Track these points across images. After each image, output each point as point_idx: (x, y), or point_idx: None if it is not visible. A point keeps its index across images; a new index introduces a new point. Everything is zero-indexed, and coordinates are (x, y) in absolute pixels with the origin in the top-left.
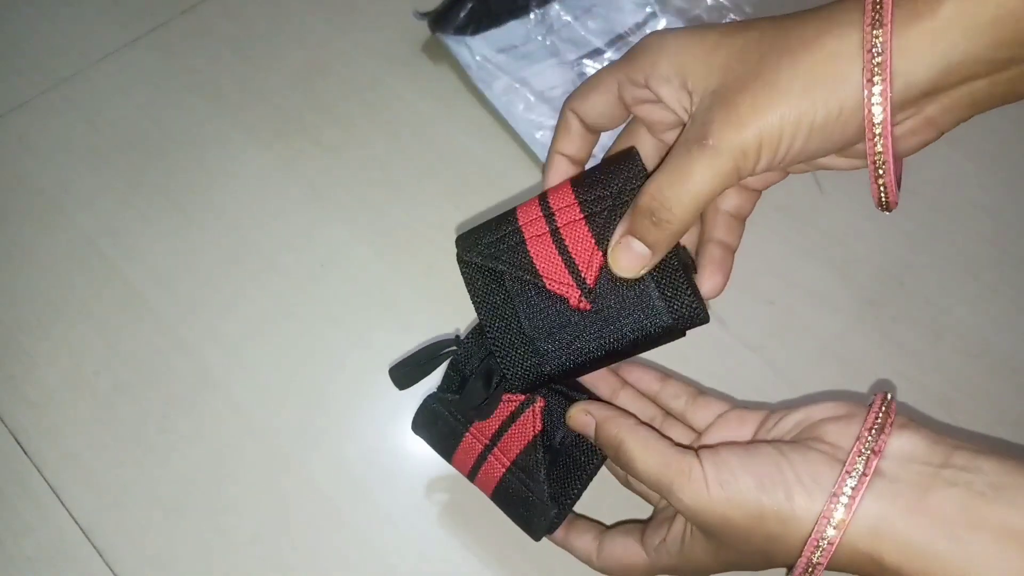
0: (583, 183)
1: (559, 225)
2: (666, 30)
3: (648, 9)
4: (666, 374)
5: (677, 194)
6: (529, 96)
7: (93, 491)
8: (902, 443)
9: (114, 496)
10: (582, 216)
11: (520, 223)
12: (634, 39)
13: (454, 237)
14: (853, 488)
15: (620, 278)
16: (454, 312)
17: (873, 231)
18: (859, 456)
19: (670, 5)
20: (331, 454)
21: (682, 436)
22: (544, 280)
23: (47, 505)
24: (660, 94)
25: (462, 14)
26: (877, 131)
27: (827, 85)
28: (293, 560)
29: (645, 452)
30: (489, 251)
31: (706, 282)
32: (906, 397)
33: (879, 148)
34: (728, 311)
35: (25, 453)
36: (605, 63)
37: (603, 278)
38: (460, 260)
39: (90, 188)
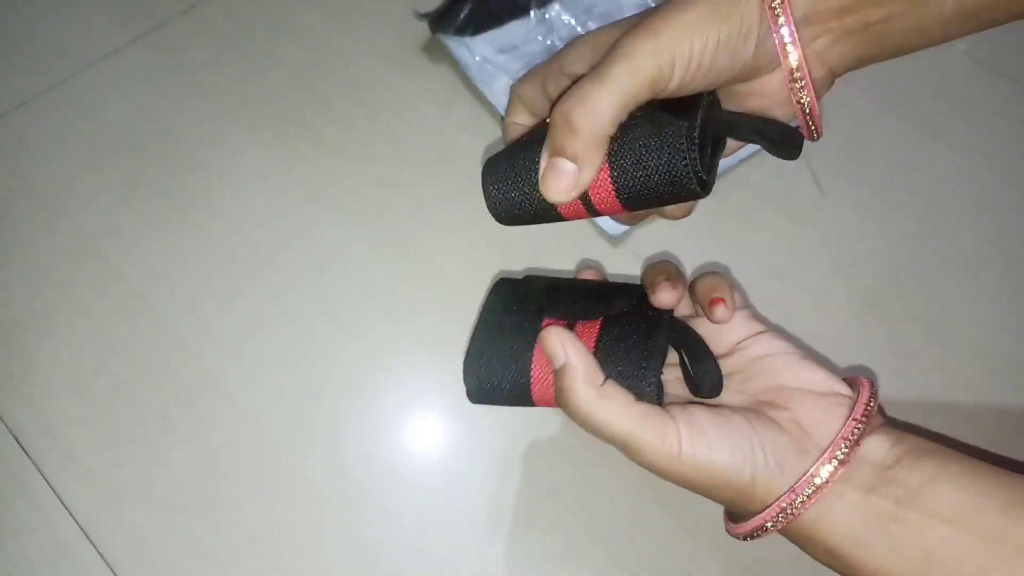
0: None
1: None
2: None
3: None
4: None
5: (592, 94)
6: None
7: (93, 491)
8: (868, 446)
9: (114, 496)
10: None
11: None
12: None
13: (454, 237)
14: (811, 492)
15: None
16: (454, 312)
17: (873, 231)
18: (826, 462)
19: None
20: (330, 454)
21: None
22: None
23: (47, 505)
24: (577, 74)
25: (462, 14)
26: (789, 48)
27: (731, 3)
28: (292, 560)
29: (616, 416)
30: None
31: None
32: (906, 397)
33: (793, 63)
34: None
35: (25, 453)
36: None
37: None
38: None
39: (90, 188)
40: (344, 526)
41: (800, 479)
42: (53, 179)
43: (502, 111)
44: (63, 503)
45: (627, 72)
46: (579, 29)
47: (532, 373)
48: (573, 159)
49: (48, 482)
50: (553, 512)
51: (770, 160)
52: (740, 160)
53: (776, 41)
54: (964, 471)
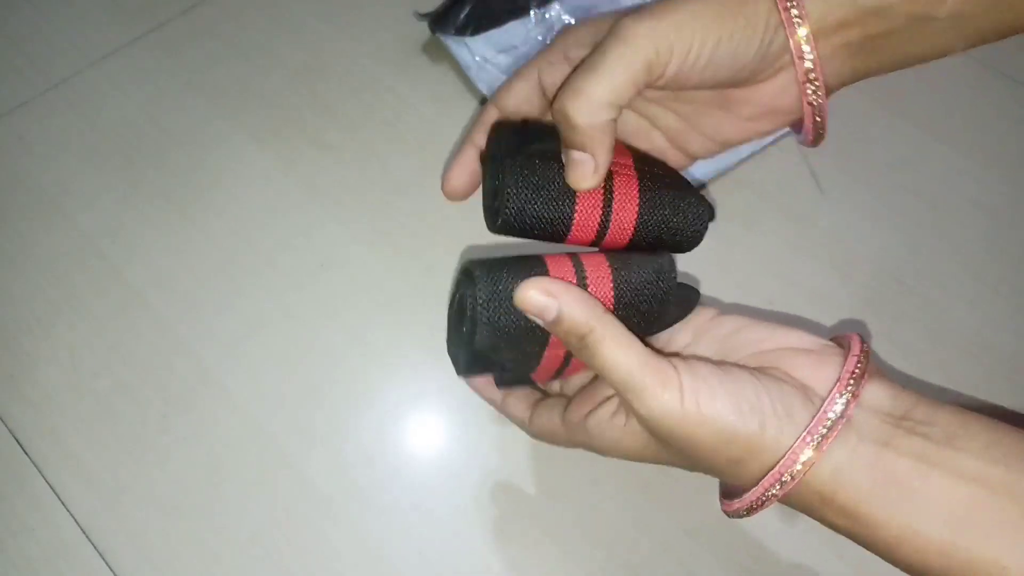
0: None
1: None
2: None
3: None
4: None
5: (586, 85)
6: None
7: (93, 491)
8: (872, 392)
9: (114, 496)
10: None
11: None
12: None
13: (454, 237)
14: (827, 429)
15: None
16: None
17: (873, 231)
18: (838, 398)
19: None
20: (330, 454)
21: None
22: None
23: (47, 505)
24: (578, 59)
25: (462, 14)
26: (806, 50)
27: (739, 2)
28: (292, 560)
29: (618, 348)
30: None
31: None
32: None
33: (808, 64)
34: (728, 311)
35: (25, 453)
36: None
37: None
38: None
39: (90, 188)
40: (344, 526)
41: (814, 419)
42: (53, 179)
43: None
44: (63, 503)
45: (623, 56)
46: None
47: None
48: (583, 148)
49: (48, 482)
50: (553, 512)
51: (771, 160)
52: (740, 160)
53: (792, 42)
54: (987, 428)
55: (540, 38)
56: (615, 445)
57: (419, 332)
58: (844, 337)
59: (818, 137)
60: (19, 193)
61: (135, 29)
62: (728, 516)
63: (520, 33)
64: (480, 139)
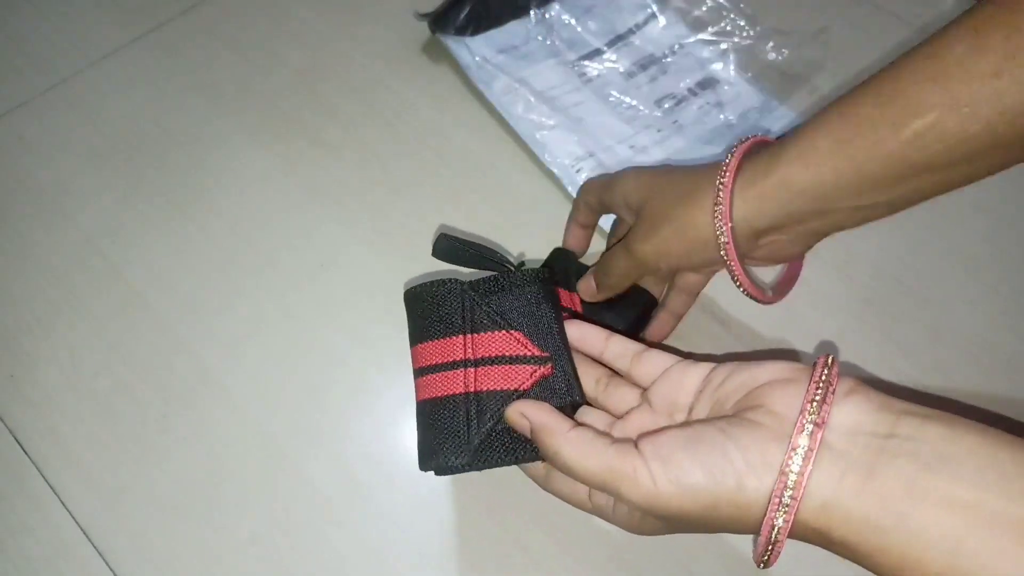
0: (424, 333)
1: (470, 357)
2: (632, 168)
3: (648, 9)
4: (610, 332)
5: (610, 269)
6: (529, 96)
7: (93, 491)
8: (848, 411)
9: (114, 496)
10: (469, 337)
11: (455, 394)
12: (634, 39)
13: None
14: (800, 466)
15: (537, 325)
16: None
17: (873, 231)
18: (801, 431)
19: (670, 5)
20: (330, 454)
21: (628, 395)
22: (521, 390)
23: (47, 505)
24: (619, 214)
25: (462, 15)
26: (723, 254)
27: (690, 225)
28: (292, 560)
29: (584, 459)
30: (473, 437)
31: (653, 333)
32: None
33: (731, 267)
34: (728, 311)
35: (25, 453)
36: (605, 63)
37: (533, 338)
38: (461, 472)
39: (90, 188)
40: (344, 526)
41: (783, 460)
42: (53, 179)
43: (502, 111)
44: (63, 503)
45: (628, 264)
46: (579, 29)
47: None
48: (598, 288)
49: (48, 482)
50: (553, 512)
51: None
52: None
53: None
54: (981, 444)
55: (540, 38)
56: (629, 526)
57: None
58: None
59: (754, 297)
60: (19, 193)
61: (135, 29)
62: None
63: (520, 33)
64: (583, 218)
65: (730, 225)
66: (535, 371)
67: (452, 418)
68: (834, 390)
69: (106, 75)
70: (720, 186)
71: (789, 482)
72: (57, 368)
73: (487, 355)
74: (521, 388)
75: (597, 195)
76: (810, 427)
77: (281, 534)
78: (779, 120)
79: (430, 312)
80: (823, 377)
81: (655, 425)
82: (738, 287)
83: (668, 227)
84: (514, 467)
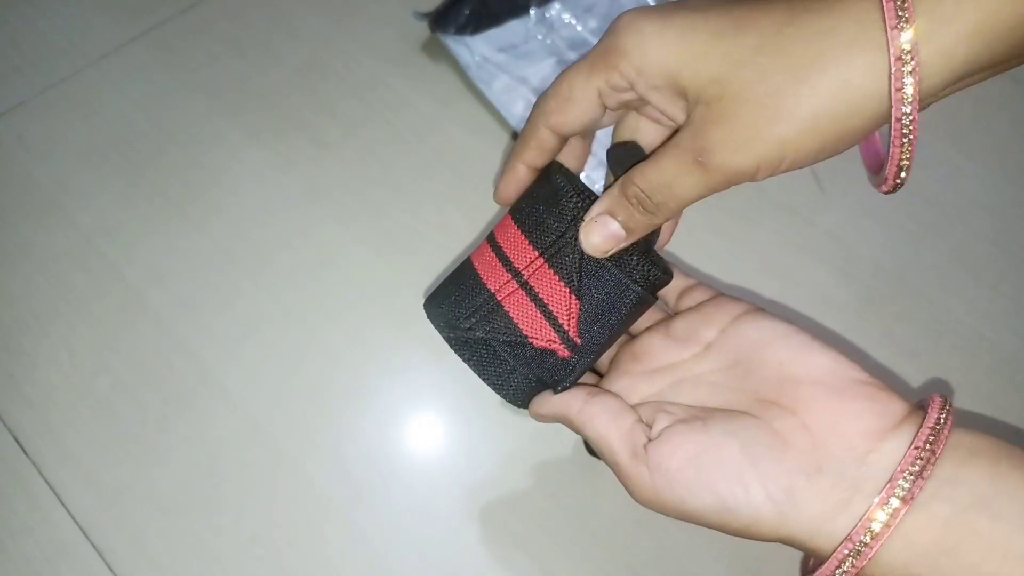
0: (527, 221)
1: (526, 277)
2: (637, 16)
3: None
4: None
5: (665, 198)
6: (529, 95)
7: (93, 491)
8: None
9: (114, 496)
10: (543, 261)
11: (487, 285)
12: None
13: (454, 237)
14: (889, 516)
15: (599, 316)
16: None
17: (874, 230)
18: (902, 479)
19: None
20: (330, 454)
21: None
22: (530, 340)
23: (47, 505)
24: (650, 100)
25: (462, 14)
26: (906, 118)
27: (840, 108)
28: (292, 560)
29: (597, 442)
30: (468, 323)
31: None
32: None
33: (906, 136)
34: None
35: (25, 453)
36: None
37: (583, 322)
38: (442, 334)
39: (89, 187)
40: (344, 526)
41: (854, 528)
42: (52, 178)
43: (502, 111)
44: (63, 503)
45: (704, 187)
46: (579, 28)
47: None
48: (628, 231)
49: (48, 482)
50: (553, 511)
51: None
52: None
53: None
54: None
55: (540, 37)
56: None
57: (419, 332)
58: (927, 400)
59: (895, 184)
60: (18, 192)
61: (134, 28)
62: None
63: (520, 32)
64: (533, 158)
65: (918, 79)
66: (553, 342)
67: (471, 297)
68: (943, 447)
69: (105, 74)
70: (900, 21)
71: (854, 550)
72: (57, 368)
73: (536, 289)
74: (532, 340)
75: (581, 105)
76: (897, 502)
77: (280, 534)
78: None
79: (541, 201)
80: (942, 419)
81: (663, 351)
82: (902, 167)
83: (787, 123)
84: (513, 467)
